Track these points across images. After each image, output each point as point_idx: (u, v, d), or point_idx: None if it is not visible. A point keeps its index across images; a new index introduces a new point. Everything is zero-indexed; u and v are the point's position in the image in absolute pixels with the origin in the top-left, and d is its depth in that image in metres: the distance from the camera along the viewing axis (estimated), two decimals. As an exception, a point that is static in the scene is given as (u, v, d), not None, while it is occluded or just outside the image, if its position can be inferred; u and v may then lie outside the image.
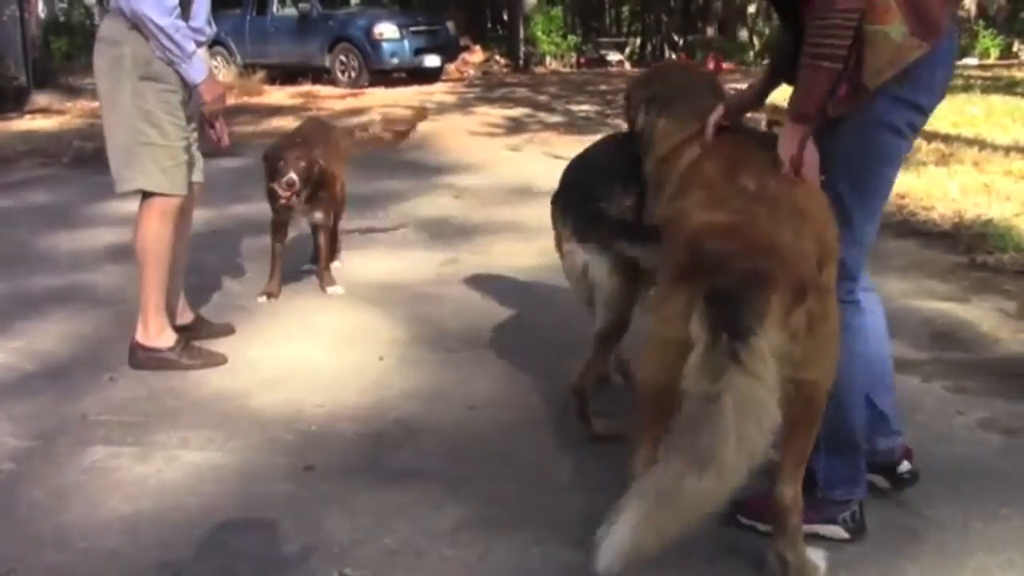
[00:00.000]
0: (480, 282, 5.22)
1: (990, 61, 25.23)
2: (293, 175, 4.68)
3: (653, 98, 2.99)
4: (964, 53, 27.06)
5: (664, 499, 1.98)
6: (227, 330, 4.36)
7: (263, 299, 4.88)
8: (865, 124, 2.51)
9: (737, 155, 2.61)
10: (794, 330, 2.16)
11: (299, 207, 4.85)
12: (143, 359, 3.98)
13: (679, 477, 1.97)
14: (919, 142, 9.38)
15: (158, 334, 3.98)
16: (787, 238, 2.25)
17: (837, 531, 2.64)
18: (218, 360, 4.04)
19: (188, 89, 3.87)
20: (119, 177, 3.88)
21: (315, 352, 4.18)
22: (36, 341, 4.35)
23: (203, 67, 3.87)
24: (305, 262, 5.42)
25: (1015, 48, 26.80)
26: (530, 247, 5.96)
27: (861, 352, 2.60)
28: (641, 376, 2.44)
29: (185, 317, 4.32)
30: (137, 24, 3.68)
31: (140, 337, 3.99)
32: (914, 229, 6.29)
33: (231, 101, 14.52)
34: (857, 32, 2.40)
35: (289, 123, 12.66)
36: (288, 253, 5.20)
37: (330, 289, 5.03)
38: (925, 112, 2.58)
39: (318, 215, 5.00)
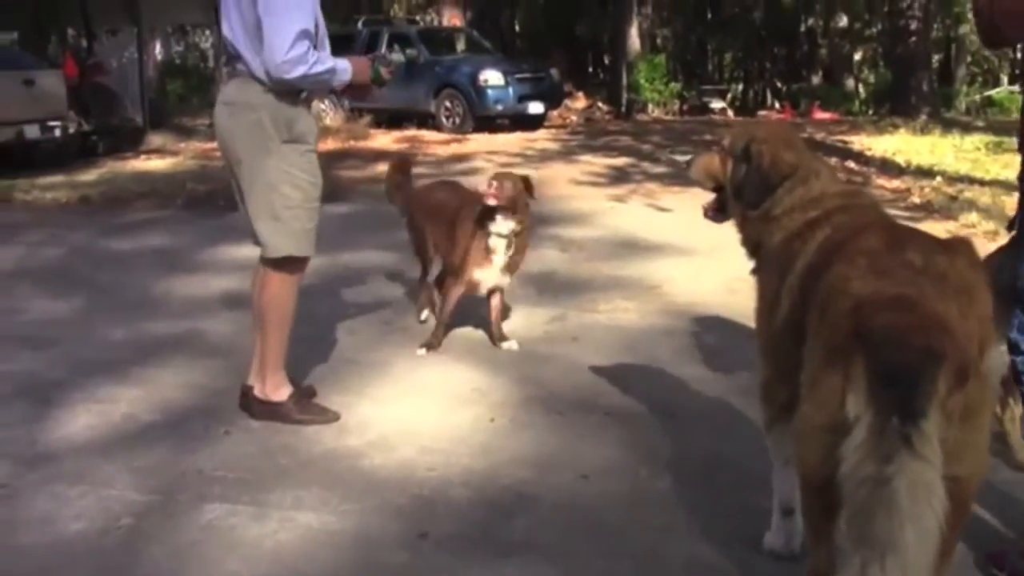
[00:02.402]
0: (588, 342, 5.19)
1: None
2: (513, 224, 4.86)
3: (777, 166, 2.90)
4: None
5: None
6: (308, 392, 4.29)
7: (422, 352, 4.97)
8: None
9: (894, 229, 2.53)
10: (950, 415, 2.04)
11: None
12: (259, 411, 4.04)
13: (863, 568, 1.91)
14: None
15: (275, 388, 4.02)
16: (956, 316, 2.13)
17: None
18: (330, 417, 4.06)
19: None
20: (270, 244, 3.89)
21: (425, 412, 4.18)
22: (154, 390, 4.44)
23: (344, 65, 3.88)
24: (408, 316, 5.46)
25: None
26: (636, 306, 5.93)
27: None
28: (803, 471, 2.32)
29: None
30: (279, 88, 3.74)
31: (257, 391, 4.04)
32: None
33: (338, 146, 14.88)
34: None
35: (395, 168, 12.87)
36: (390, 309, 5.23)
37: (505, 344, 5.09)
38: None
39: (507, 278, 5.09)
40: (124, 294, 6.31)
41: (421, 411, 4.19)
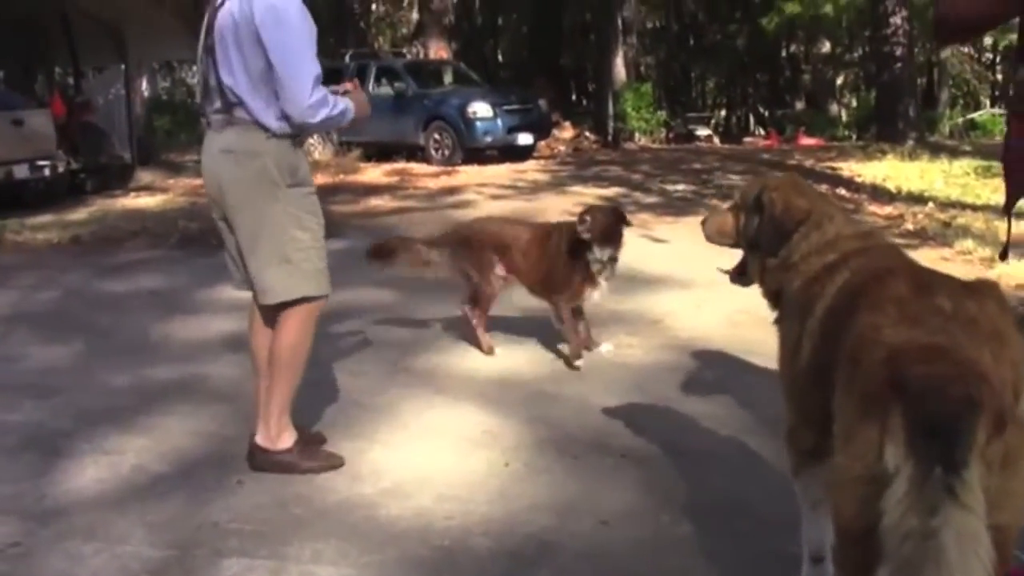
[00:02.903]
0: (597, 380, 5.16)
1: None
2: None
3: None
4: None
5: None
6: (317, 439, 4.24)
7: (580, 363, 5.38)
8: None
9: (917, 272, 2.51)
10: (990, 464, 2.01)
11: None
12: (263, 462, 3.96)
13: None
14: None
15: (279, 436, 3.96)
16: (990, 362, 2.10)
17: None
18: (336, 462, 4.01)
19: None
20: (279, 288, 3.84)
21: (438, 456, 4.13)
22: (161, 439, 4.38)
23: (347, 104, 3.86)
24: (413, 355, 5.43)
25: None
26: (640, 341, 5.91)
27: None
28: (839, 523, 2.27)
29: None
30: (283, 133, 3.74)
31: (262, 440, 3.97)
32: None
33: (328, 180, 14.87)
34: None
35: (386, 202, 12.88)
36: (393, 348, 5.17)
37: (602, 348, 5.69)
38: None
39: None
40: (123, 338, 6.25)
41: (434, 456, 4.14)
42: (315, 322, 3.98)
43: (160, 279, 8.22)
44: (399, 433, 4.41)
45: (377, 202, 12.88)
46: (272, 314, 3.96)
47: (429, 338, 6.04)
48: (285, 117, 3.73)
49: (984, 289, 2.37)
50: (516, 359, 5.57)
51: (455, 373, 5.28)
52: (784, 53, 36.89)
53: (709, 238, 3.24)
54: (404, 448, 4.23)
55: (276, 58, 3.61)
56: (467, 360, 5.54)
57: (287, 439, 3.98)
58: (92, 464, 4.11)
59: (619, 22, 25.99)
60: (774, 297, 2.96)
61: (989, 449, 2.01)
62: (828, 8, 17.02)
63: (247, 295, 4.08)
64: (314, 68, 3.66)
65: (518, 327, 6.21)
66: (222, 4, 3.75)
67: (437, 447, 4.24)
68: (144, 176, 16.23)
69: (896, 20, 17.74)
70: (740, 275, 3.19)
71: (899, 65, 18.02)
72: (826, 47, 32.01)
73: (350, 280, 7.42)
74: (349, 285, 7.25)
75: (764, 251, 2.95)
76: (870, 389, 2.12)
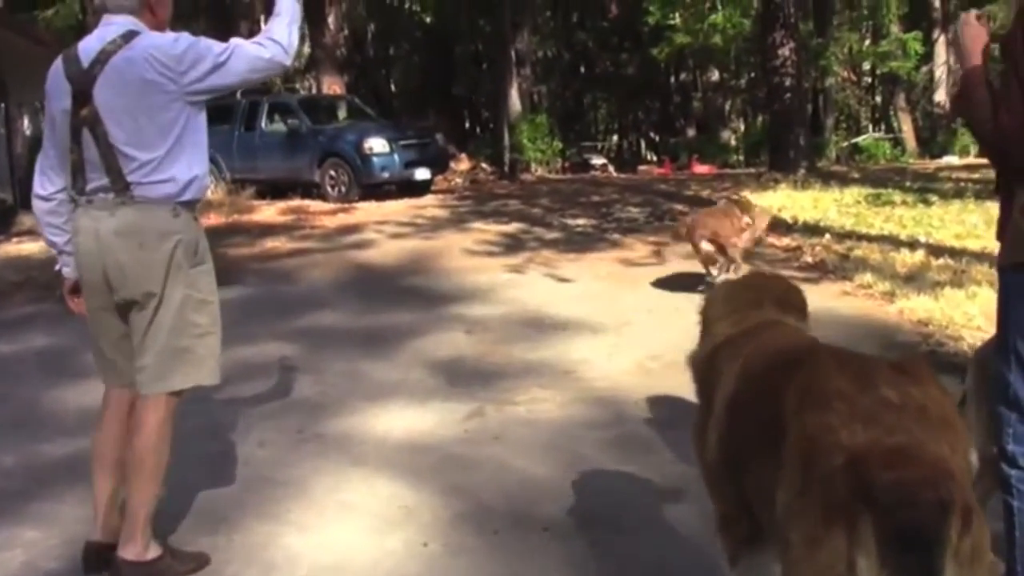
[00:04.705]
0: (511, 441, 5.01)
1: (971, 159, 25.51)
2: None
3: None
4: (944, 150, 27.52)
5: None
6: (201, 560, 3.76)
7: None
8: None
9: (849, 359, 2.44)
10: (962, 562, 1.96)
11: None
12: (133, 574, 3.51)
13: None
14: (928, 258, 9.36)
15: (147, 545, 3.55)
16: (949, 454, 2.05)
17: None
18: (203, 560, 3.70)
19: None
20: (173, 378, 3.55)
21: (355, 539, 3.92)
22: (54, 530, 4.07)
23: (290, 8, 3.63)
24: (321, 420, 5.23)
25: (994, 145, 27.12)
26: (554, 395, 5.78)
27: None
28: None
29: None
30: (186, 205, 3.53)
31: (131, 553, 3.50)
32: (946, 362, 6.13)
33: (222, 220, 14.48)
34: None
35: (283, 243, 12.59)
36: (300, 412, 4.97)
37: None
38: None
39: None
40: (10, 408, 5.88)
41: (350, 538, 3.93)
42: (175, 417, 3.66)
43: (48, 337, 7.79)
44: (312, 512, 4.18)
45: (274, 244, 12.57)
46: (140, 408, 3.60)
47: (336, 397, 5.82)
48: (196, 179, 3.54)
49: (917, 370, 2.31)
50: (425, 420, 5.38)
51: (367, 437, 5.08)
52: (674, 81, 37.55)
53: None
54: (318, 530, 4.01)
55: (231, 72, 3.48)
56: (377, 422, 5.34)
57: (155, 546, 3.59)
58: (-23, 563, 3.80)
59: (513, 54, 26.07)
60: None
61: (960, 547, 1.97)
62: (717, 38, 17.29)
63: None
64: (239, 42, 3.55)
65: (422, 385, 6.05)
66: (95, 68, 3.42)
67: (353, 528, 4.03)
68: (26, 220, 15.52)
69: (784, 52, 18.13)
70: None
71: (789, 95, 18.40)
72: (715, 75, 32.64)
73: (250, 334, 7.19)
74: (249, 339, 7.02)
75: None
76: (833, 498, 2.03)
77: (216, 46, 3.51)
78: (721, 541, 2.80)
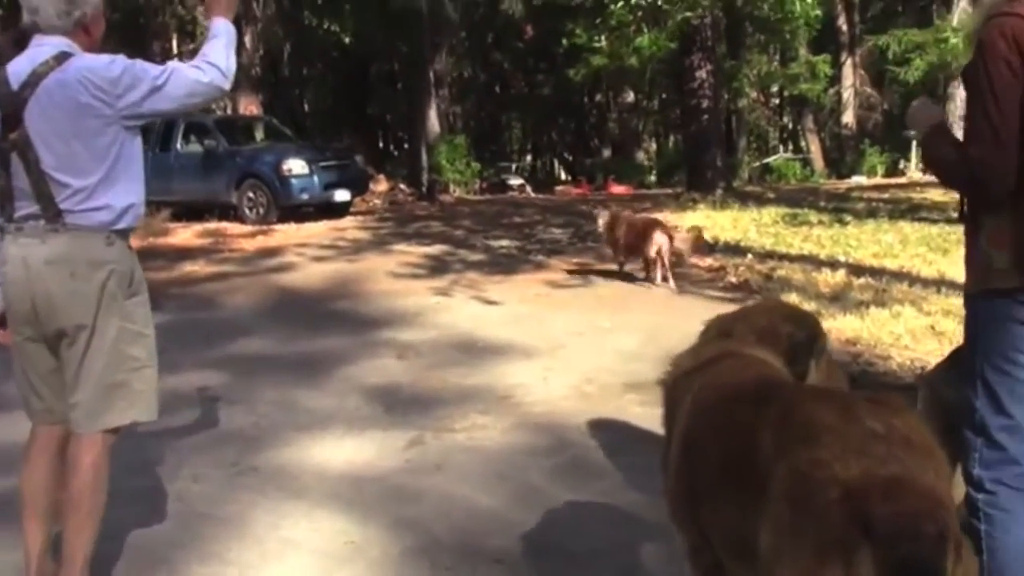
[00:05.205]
0: (454, 470, 4.91)
1: (879, 179, 26.19)
2: None
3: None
4: (853, 170, 28.19)
5: None
6: None
7: None
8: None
9: (823, 393, 2.42)
10: None
11: None
12: None
13: None
14: (849, 277, 9.51)
15: None
16: (940, 483, 2.06)
17: None
18: None
19: None
20: (110, 415, 3.39)
21: (301, 577, 3.80)
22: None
23: (225, 32, 3.52)
24: (257, 452, 5.06)
25: (901, 165, 27.94)
26: (493, 420, 5.70)
27: None
28: None
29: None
30: (121, 233, 3.37)
31: None
32: (877, 381, 6.21)
33: (137, 244, 14.09)
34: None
35: (202, 267, 12.31)
36: (233, 444, 4.80)
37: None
38: None
39: None
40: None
41: (296, 577, 3.80)
42: None
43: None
44: (254, 551, 4.02)
45: (192, 267, 12.28)
46: (75, 447, 3.43)
47: (270, 428, 5.64)
48: (132, 207, 3.40)
49: (892, 401, 2.31)
50: (364, 449, 5.25)
51: (306, 469, 4.93)
52: (588, 102, 37.87)
53: None
54: (262, 570, 3.85)
55: (169, 97, 3.34)
56: (315, 453, 5.19)
57: None
58: None
59: (431, 74, 26.01)
60: None
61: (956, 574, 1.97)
62: (633, 60, 17.45)
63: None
64: (177, 65, 3.42)
65: (359, 413, 5.92)
66: (25, 91, 3.26)
67: (298, 566, 3.88)
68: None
69: (701, 74, 18.38)
70: None
71: (706, 117, 18.66)
72: (631, 97, 32.99)
73: (175, 362, 6.93)
74: (174, 368, 6.76)
75: None
76: (829, 532, 2.00)
77: (153, 69, 3.38)
78: (690, 570, 2.76)
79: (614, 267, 10.72)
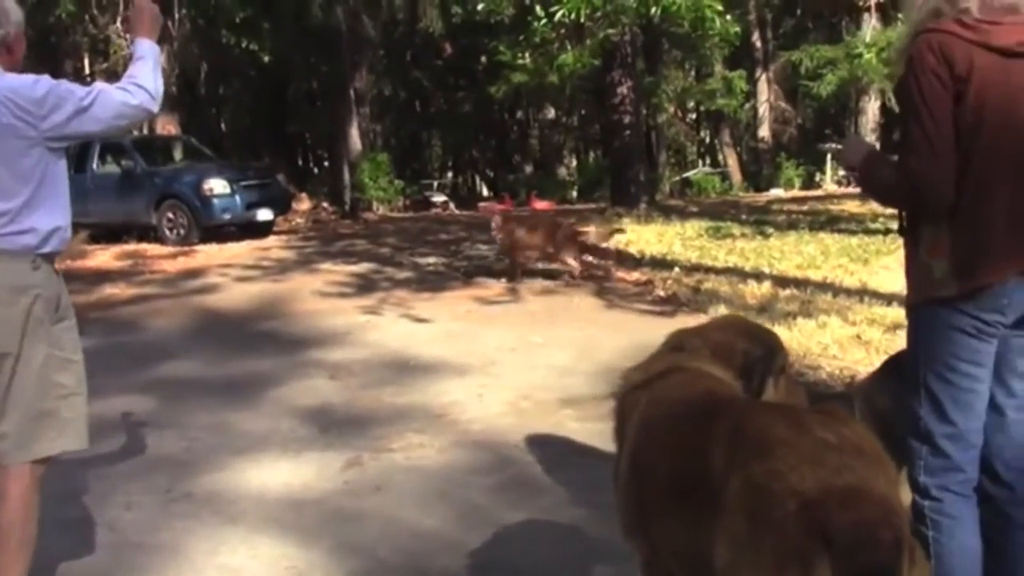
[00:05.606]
0: (394, 490, 4.84)
1: (796, 191, 26.67)
2: None
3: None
4: (771, 183, 28.68)
5: None
6: None
7: None
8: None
9: (772, 407, 2.44)
10: None
11: None
12: None
13: None
14: (775, 289, 9.65)
15: None
16: (892, 490, 2.10)
17: None
18: None
19: None
20: (39, 445, 3.30)
21: (243, 605, 3.71)
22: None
23: (151, 53, 3.48)
24: (189, 477, 4.94)
25: (817, 177, 28.50)
26: (430, 439, 5.64)
27: None
28: None
29: None
30: (46, 257, 3.27)
31: None
32: (810, 392, 6.28)
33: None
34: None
35: (123, 290, 12.04)
36: (163, 471, 4.69)
37: None
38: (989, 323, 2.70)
39: None
40: None
41: (238, 606, 3.72)
42: None
43: None
44: (193, 580, 3.94)
45: (113, 290, 12.01)
46: (2, 478, 3.32)
47: (203, 452, 5.52)
48: (58, 229, 3.30)
49: (837, 412, 2.35)
50: (301, 472, 5.17)
51: (242, 494, 4.83)
52: (509, 118, 38.02)
53: None
54: (202, 599, 3.78)
55: (95, 119, 3.27)
56: (251, 477, 5.09)
57: None
58: None
59: (351, 93, 25.87)
60: None
61: None
62: (553, 77, 17.53)
63: None
64: (103, 87, 3.35)
65: (294, 435, 5.82)
66: None
67: (240, 594, 3.81)
68: None
69: (623, 90, 18.55)
70: None
71: (628, 132, 18.83)
72: (551, 113, 33.20)
73: (100, 387, 6.67)
74: (100, 393, 6.51)
75: None
76: (787, 543, 2.00)
77: (79, 90, 3.30)
78: None
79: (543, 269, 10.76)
